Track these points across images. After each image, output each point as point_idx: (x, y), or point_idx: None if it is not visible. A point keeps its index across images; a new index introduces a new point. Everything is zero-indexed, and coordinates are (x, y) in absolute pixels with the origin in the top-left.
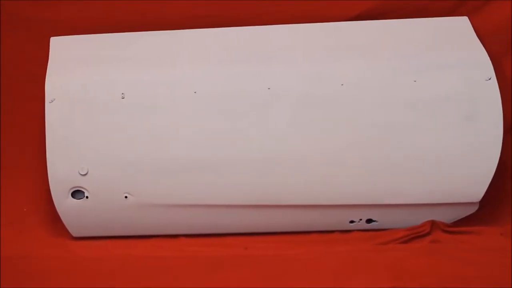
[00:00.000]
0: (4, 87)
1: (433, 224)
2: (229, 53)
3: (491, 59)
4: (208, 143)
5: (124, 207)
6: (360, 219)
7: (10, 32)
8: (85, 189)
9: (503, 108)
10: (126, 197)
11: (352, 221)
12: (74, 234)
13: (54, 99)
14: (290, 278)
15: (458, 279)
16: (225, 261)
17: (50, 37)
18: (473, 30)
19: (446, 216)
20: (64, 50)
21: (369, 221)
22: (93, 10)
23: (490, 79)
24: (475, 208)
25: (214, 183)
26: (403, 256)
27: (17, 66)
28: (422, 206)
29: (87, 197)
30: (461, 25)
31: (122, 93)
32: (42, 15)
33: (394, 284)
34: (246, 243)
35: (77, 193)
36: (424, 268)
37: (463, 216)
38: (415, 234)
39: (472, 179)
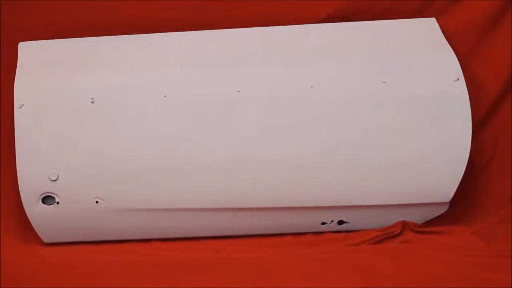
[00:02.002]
0: None
1: (404, 225)
2: (199, 56)
3: (459, 60)
4: (178, 147)
5: (95, 212)
6: (332, 221)
7: None
8: (55, 194)
9: (472, 109)
10: (97, 202)
11: (323, 223)
12: (45, 240)
13: (23, 105)
14: (262, 280)
15: (429, 279)
16: (197, 265)
17: (18, 43)
18: (440, 31)
19: (417, 217)
20: (33, 55)
21: (340, 222)
22: (60, 14)
23: (458, 79)
24: (445, 208)
25: (186, 187)
26: (375, 256)
27: None
28: (392, 207)
29: (57, 202)
30: (429, 26)
31: (92, 98)
32: (10, 20)
33: (366, 285)
34: (218, 246)
35: (47, 199)
36: (396, 269)
37: (434, 216)
38: (386, 235)
39: (442, 179)
